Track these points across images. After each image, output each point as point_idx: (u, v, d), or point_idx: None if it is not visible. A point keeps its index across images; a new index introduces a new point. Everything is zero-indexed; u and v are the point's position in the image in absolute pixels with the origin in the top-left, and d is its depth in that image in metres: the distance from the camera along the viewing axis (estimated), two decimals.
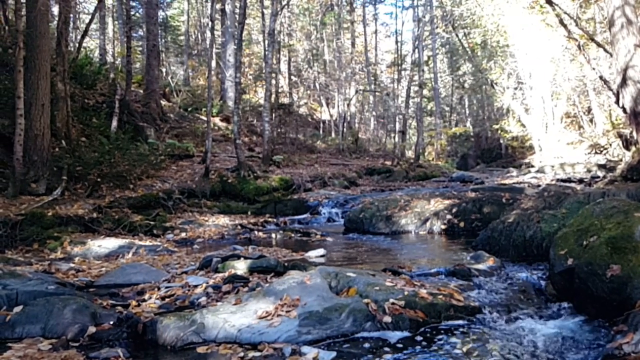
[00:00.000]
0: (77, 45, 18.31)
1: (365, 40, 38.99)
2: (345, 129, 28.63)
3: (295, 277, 4.84)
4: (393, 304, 4.26)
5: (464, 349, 3.71)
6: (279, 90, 30.02)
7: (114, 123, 16.10)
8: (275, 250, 8.10)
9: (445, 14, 31.98)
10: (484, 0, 24.49)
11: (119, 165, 12.71)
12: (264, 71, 21.90)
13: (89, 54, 22.82)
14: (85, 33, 17.98)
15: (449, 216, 10.03)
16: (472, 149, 38.67)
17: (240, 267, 6.05)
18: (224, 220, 12.02)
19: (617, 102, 10.98)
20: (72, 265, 7.14)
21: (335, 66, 31.71)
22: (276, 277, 5.41)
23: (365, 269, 5.65)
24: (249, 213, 13.24)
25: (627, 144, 17.67)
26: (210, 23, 18.09)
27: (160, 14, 30.61)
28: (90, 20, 19.08)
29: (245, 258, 6.42)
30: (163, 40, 34.03)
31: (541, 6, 16.69)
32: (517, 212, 7.74)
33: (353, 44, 37.02)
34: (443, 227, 9.91)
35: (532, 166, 23.54)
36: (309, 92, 35.18)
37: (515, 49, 23.86)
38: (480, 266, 5.95)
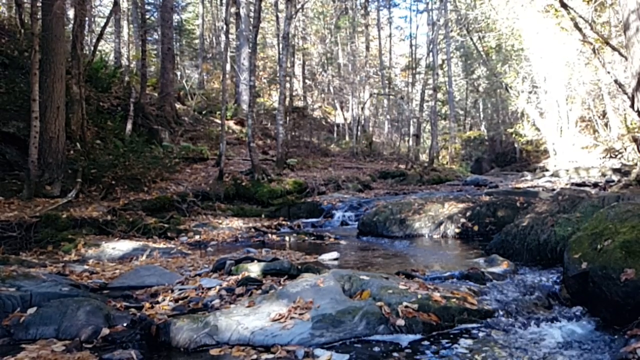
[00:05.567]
0: (92, 48, 18.46)
1: (380, 43, 38.97)
2: (359, 133, 28.60)
3: (308, 279, 4.85)
4: (406, 307, 4.25)
5: (477, 353, 3.70)
6: (293, 94, 30.08)
7: (129, 126, 16.20)
8: (288, 253, 8.10)
9: (459, 17, 31.91)
10: (498, 3, 24.42)
11: (133, 168, 12.77)
12: (278, 74, 21.95)
13: (104, 57, 22.93)
14: (100, 36, 18.12)
15: (463, 220, 9.97)
16: (486, 152, 38.53)
17: (254, 269, 6.05)
18: (237, 223, 12.05)
19: (632, 106, 10.88)
20: (86, 267, 7.19)
21: (349, 70, 31.59)
22: (289, 280, 5.42)
23: (378, 272, 5.64)
24: (263, 216, 13.24)
25: None
26: (225, 26, 18.14)
27: (175, 17, 30.71)
28: (106, 24, 19.19)
29: (259, 261, 6.43)
30: (178, 44, 34.18)
31: (556, 10, 16.59)
32: (531, 216, 7.70)
33: (367, 48, 36.94)
34: (457, 230, 9.86)
35: (547, 170, 23.38)
36: (323, 95, 35.17)
37: (530, 52, 23.76)
38: (494, 270, 5.93)
